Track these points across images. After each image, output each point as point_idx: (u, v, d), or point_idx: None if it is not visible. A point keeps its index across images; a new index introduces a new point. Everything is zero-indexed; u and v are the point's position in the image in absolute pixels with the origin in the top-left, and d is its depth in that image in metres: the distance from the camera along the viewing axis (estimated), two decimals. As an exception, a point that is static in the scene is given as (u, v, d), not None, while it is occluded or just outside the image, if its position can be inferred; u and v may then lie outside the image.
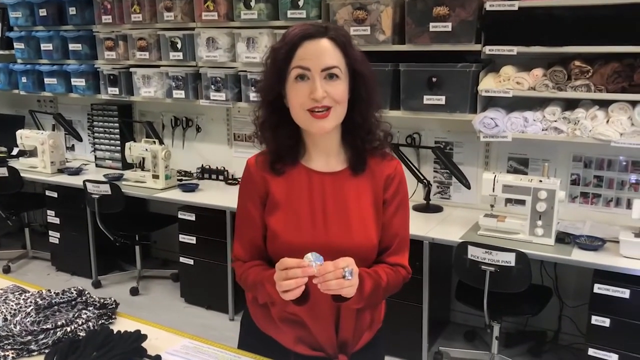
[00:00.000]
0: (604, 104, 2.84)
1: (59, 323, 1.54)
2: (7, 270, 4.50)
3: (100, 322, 1.62)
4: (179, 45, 3.89)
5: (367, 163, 1.48)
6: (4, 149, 4.99)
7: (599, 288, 2.60)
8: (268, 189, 1.48)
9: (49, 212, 4.42)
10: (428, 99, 3.15)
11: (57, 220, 4.39)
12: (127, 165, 4.38)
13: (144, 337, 1.49)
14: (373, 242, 1.48)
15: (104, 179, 4.10)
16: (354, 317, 1.52)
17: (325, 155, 1.48)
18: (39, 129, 4.72)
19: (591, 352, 2.66)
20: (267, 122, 1.45)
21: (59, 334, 1.52)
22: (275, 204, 1.47)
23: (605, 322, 2.61)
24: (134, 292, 4.11)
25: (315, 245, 1.38)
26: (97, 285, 4.23)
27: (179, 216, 3.80)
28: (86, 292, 1.72)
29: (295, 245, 1.42)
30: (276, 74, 1.40)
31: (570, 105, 2.96)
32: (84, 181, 3.98)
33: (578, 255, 2.68)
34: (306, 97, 1.35)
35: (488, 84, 3.01)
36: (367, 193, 1.48)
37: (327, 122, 1.38)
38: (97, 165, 4.70)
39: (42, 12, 4.44)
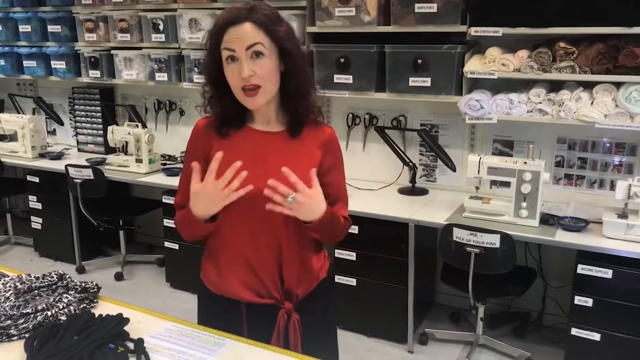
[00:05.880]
0: (589, 86, 2.84)
1: (39, 307, 1.51)
2: (-12, 257, 4.45)
3: (81, 306, 1.59)
4: (160, 27, 3.82)
5: (303, 127, 1.62)
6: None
7: (582, 269, 2.63)
8: (212, 149, 1.59)
9: (30, 197, 4.36)
10: (414, 81, 3.14)
11: (39, 206, 4.33)
12: (109, 150, 4.32)
13: (126, 320, 1.47)
14: None
15: (86, 164, 4.04)
16: (297, 260, 1.63)
17: (266, 119, 1.62)
18: (18, 112, 4.63)
19: (574, 331, 2.69)
20: (214, 96, 1.60)
21: (39, 318, 1.49)
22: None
23: (588, 302, 2.64)
24: (119, 277, 4.08)
25: (257, 194, 1.47)
26: (81, 270, 4.19)
27: (163, 200, 3.76)
28: (67, 276, 1.69)
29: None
30: (212, 56, 1.55)
31: (554, 87, 2.96)
32: (66, 166, 3.92)
33: (562, 237, 2.70)
34: (237, 77, 1.49)
35: (473, 66, 3.00)
36: (303, 155, 1.60)
37: (257, 99, 1.52)
38: (79, 150, 4.63)
39: (20, -7, 4.34)
